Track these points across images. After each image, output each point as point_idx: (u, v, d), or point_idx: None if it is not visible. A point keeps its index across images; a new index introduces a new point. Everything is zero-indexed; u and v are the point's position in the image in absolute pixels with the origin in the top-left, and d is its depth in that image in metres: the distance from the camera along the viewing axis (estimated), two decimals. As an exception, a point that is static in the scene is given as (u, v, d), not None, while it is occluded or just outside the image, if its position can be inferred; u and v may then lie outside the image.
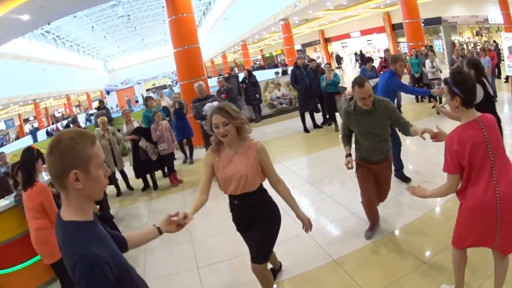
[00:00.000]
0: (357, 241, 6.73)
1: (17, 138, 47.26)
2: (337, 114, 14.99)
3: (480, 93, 6.51)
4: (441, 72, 17.02)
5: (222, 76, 24.16)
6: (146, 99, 13.86)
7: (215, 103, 10.81)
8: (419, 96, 18.04)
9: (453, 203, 5.03)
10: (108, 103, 47.79)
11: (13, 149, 23.55)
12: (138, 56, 76.21)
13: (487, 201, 3.96)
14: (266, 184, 4.69)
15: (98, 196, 2.49)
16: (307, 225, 4.58)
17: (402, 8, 22.59)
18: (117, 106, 49.58)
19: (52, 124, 48.03)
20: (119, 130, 12.32)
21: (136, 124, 12.06)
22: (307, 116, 15.79)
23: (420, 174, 9.11)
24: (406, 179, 8.67)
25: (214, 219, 7.03)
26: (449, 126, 4.25)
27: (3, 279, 6.79)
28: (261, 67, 52.14)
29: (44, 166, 7.03)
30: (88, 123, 32.13)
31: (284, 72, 26.08)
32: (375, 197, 6.69)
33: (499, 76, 21.12)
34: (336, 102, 14.23)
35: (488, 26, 36.69)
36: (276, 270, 5.86)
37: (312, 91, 15.26)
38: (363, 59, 37.95)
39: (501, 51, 21.03)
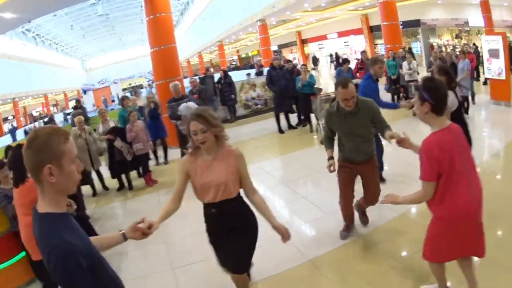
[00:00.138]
0: (332, 241, 6.76)
1: (-4, 137, 46.87)
2: (312, 115, 15.09)
3: (454, 102, 6.53)
4: (418, 74, 17.18)
5: (197, 76, 24.12)
6: (122, 99, 13.95)
7: (191, 103, 10.84)
8: (396, 97, 18.19)
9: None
10: (85, 102, 47.33)
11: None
12: (115, 55, 75.57)
13: (468, 207, 4.08)
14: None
15: (71, 190, 2.58)
16: (285, 234, 4.34)
17: (380, 11, 22.73)
18: (93, 106, 49.31)
19: (30, 123, 47.67)
20: (95, 130, 12.24)
21: (112, 124, 12.04)
22: (282, 117, 15.85)
23: (397, 175, 9.17)
24: (382, 180, 8.58)
25: (189, 219, 7.03)
26: (424, 129, 4.32)
27: (-17, 280, 6.72)
28: (236, 68, 52.05)
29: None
30: (65, 123, 31.89)
31: (260, 73, 25.98)
32: (353, 199, 6.71)
33: (477, 79, 21.44)
34: (312, 103, 14.24)
35: (468, 29, 36.99)
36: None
37: (288, 92, 15.31)
38: (338, 61, 38.11)
39: (480, 53, 21.25)
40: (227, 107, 19.55)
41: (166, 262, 7.03)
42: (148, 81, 56.88)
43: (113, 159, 11.52)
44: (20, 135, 33.77)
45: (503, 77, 15.37)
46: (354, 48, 49.19)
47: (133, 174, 12.32)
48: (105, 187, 12.13)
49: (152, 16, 15.75)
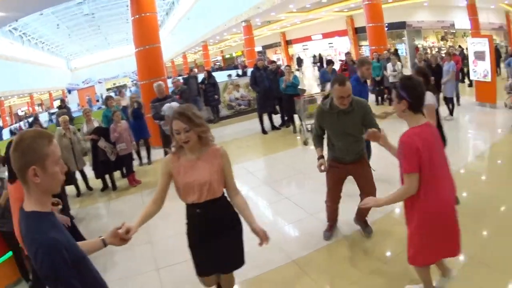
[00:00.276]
0: (316, 242, 6.79)
1: (-17, 136, 46.70)
2: (296, 116, 15.13)
3: (430, 100, 6.60)
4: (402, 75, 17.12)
5: (181, 77, 24.07)
6: (106, 99, 13.95)
7: (174, 104, 10.79)
8: (379, 99, 18.25)
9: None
10: (70, 102, 47.15)
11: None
12: (100, 55, 75.02)
13: (449, 204, 4.21)
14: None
15: (55, 190, 2.72)
16: (263, 237, 4.13)
17: (366, 12, 22.64)
18: (78, 106, 49.05)
19: (16, 123, 47.41)
20: (79, 130, 12.24)
21: (96, 124, 12.08)
22: (266, 117, 15.96)
23: (387, 177, 9.13)
24: None
25: (172, 219, 6.98)
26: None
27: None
28: (220, 68, 52.07)
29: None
30: (50, 123, 31.68)
31: (244, 74, 25.99)
32: (340, 199, 6.69)
33: (462, 81, 21.77)
34: (295, 104, 14.28)
35: (454, 31, 37.22)
36: None
37: (271, 92, 15.42)
38: (322, 62, 38.16)
39: (466, 55, 21.36)
40: (210, 107, 19.52)
41: (151, 262, 7.03)
42: (132, 81, 56.80)
43: (97, 159, 11.53)
44: (6, 135, 33.50)
45: (488, 79, 15.58)
46: (339, 50, 49.19)
47: (117, 174, 12.35)
48: (89, 187, 12.10)
49: (137, 16, 15.70)
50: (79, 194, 11.73)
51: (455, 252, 4.34)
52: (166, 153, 10.62)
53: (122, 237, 3.42)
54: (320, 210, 7.02)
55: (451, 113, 14.70)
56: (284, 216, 8.14)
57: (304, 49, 57.78)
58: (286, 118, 16.19)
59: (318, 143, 6.45)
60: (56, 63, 66.68)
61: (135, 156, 13.01)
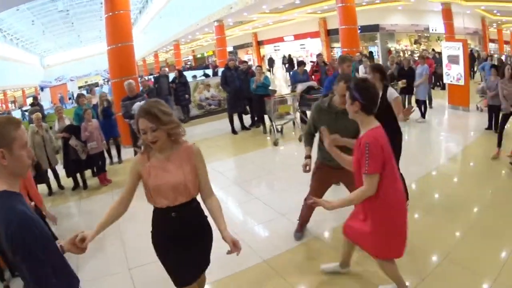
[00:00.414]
0: (287, 242, 6.81)
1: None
2: (266, 117, 15.19)
3: (394, 94, 6.81)
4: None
5: (152, 76, 23.98)
6: (78, 96, 14.03)
7: (144, 103, 10.59)
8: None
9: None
10: (42, 99, 46.73)
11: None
12: (73, 52, 74.19)
13: (403, 198, 4.49)
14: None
15: (22, 173, 2.91)
16: (233, 248, 3.75)
17: (339, 15, 22.58)
18: (51, 103, 48.68)
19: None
20: (51, 128, 12.17)
21: (67, 122, 12.06)
22: (236, 117, 15.98)
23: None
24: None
25: (141, 219, 6.81)
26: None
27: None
28: (191, 68, 51.99)
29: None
30: (23, 120, 31.38)
31: (215, 73, 25.90)
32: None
33: (436, 84, 22.36)
34: (265, 104, 14.27)
35: (428, 35, 37.60)
36: None
37: (242, 93, 15.49)
38: (291, 63, 38.26)
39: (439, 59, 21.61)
40: (181, 107, 19.46)
41: (122, 263, 6.97)
42: (103, 79, 56.65)
43: (68, 158, 11.43)
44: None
45: (462, 82, 15.91)
46: (310, 51, 49.53)
47: (88, 173, 12.28)
48: (60, 186, 12.00)
49: (111, 13, 15.61)
50: (50, 193, 11.58)
51: (405, 243, 4.52)
52: (136, 153, 10.47)
53: (78, 246, 3.43)
54: (290, 211, 7.15)
55: (423, 115, 14.94)
56: (254, 216, 8.12)
57: (275, 50, 57.97)
58: (256, 118, 16.27)
59: (308, 141, 6.31)
60: (30, 59, 66.10)
61: (106, 155, 12.85)
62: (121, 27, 15.77)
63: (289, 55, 46.36)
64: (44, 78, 66.63)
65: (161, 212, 3.95)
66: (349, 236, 4.98)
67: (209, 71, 31.09)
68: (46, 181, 11.32)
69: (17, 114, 34.33)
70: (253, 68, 17.05)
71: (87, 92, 24.84)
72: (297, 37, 52.55)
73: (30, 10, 45.01)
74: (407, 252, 4.57)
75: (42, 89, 61.41)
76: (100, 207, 9.85)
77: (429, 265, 5.53)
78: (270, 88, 15.42)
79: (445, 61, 16.74)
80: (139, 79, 17.87)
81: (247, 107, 16.32)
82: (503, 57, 29.59)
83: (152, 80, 17.61)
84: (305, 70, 16.00)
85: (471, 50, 24.52)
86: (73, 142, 11.06)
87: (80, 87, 59.29)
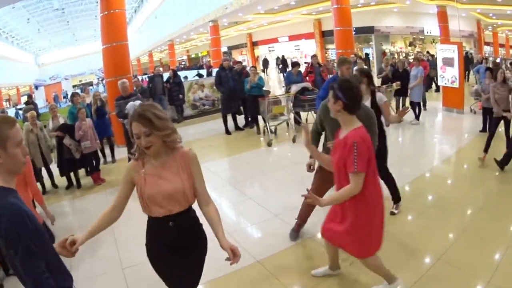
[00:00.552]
0: (281, 243, 6.80)
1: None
2: (260, 117, 15.19)
3: (383, 99, 6.95)
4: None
5: (146, 75, 23.94)
6: (73, 95, 13.91)
7: (138, 102, 10.56)
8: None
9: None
10: (36, 98, 46.62)
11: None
12: (68, 51, 74.02)
13: (381, 190, 4.64)
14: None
15: (17, 170, 2.96)
16: (232, 256, 3.63)
17: (334, 16, 22.50)
18: (45, 102, 48.56)
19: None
20: (45, 126, 12.15)
21: (61, 121, 12.07)
22: (229, 118, 15.97)
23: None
24: None
25: (135, 218, 6.78)
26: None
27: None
28: (185, 68, 51.90)
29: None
30: (17, 118, 31.29)
31: (209, 74, 25.91)
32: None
33: (430, 86, 22.37)
34: (259, 105, 14.25)
35: (423, 37, 37.65)
36: None
37: (236, 93, 15.48)
38: (284, 64, 38.25)
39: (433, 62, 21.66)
40: (175, 107, 19.47)
41: (115, 262, 6.94)
42: (98, 78, 56.56)
43: (62, 157, 11.41)
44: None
45: (456, 85, 15.96)
46: (305, 52, 49.42)
47: (81, 172, 12.23)
48: (54, 185, 11.99)
49: (106, 12, 15.58)
50: (44, 191, 11.50)
51: (382, 233, 4.65)
52: (129, 159, 10.38)
53: (68, 249, 3.42)
54: (284, 211, 7.16)
55: (417, 117, 14.93)
56: (248, 217, 8.11)
57: (270, 51, 57.94)
58: (250, 119, 16.29)
59: (314, 140, 6.27)
60: (25, 58, 65.93)
61: (100, 154, 12.87)
62: (116, 26, 15.73)
63: (283, 56, 46.38)
64: (39, 77, 66.41)
65: (157, 221, 3.74)
66: (330, 240, 5.04)
67: (203, 71, 31.18)
68: (40, 180, 11.18)
69: (11, 112, 34.28)
70: (247, 68, 17.09)
71: (81, 91, 24.82)
72: (292, 38, 52.43)
73: (26, 8, 44.88)
74: (401, 253, 4.58)
75: (36, 87, 61.46)
76: (94, 206, 9.88)
77: (423, 267, 5.55)
78: (264, 89, 15.43)
79: (440, 63, 16.80)
80: (133, 78, 17.82)
81: (241, 108, 16.33)
82: (498, 60, 29.63)
83: (146, 80, 17.54)
84: (300, 71, 16.00)
85: (466, 53, 24.57)
86: (67, 141, 11.04)
87: (74, 86, 59.30)
